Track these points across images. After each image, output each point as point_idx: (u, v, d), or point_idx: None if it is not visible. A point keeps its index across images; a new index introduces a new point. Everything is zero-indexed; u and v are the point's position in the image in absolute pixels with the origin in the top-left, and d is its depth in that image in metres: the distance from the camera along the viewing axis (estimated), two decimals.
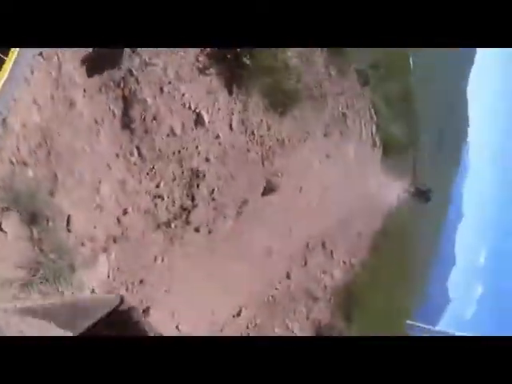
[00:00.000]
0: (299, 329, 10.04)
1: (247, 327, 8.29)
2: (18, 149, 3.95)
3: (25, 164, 3.99)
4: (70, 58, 4.32)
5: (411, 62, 17.56)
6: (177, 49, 5.46)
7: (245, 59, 6.07)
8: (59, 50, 4.22)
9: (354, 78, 10.91)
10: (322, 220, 10.04)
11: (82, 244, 4.56)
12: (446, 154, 27.13)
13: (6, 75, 3.44)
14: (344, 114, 10.40)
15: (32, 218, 4.00)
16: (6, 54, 3.39)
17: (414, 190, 16.54)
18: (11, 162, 3.90)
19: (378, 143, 12.87)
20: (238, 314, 7.91)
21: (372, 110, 12.23)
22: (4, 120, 3.75)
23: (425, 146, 19.09)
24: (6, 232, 3.89)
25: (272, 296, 9.02)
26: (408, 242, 17.71)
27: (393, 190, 14.20)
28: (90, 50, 4.45)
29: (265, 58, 6.41)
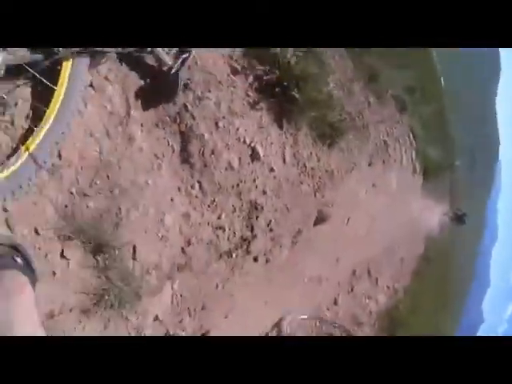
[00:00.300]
0: None
1: None
2: (78, 180, 3.77)
3: (85, 195, 3.79)
4: (123, 91, 4.12)
5: (442, 83, 17.33)
6: (228, 84, 5.31)
7: (293, 93, 5.87)
8: (110, 83, 3.99)
9: (392, 105, 10.86)
10: (367, 248, 9.79)
11: (148, 272, 4.38)
12: (479, 174, 26.55)
13: (57, 106, 3.18)
14: (385, 142, 10.17)
15: (97, 248, 3.85)
16: (55, 83, 3.15)
17: (452, 215, 16.07)
18: (71, 193, 3.70)
19: (418, 169, 12.61)
20: None
21: (411, 136, 11.99)
22: (60, 154, 3.52)
23: (459, 168, 18.63)
24: (68, 259, 3.61)
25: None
26: (447, 266, 17.23)
27: (434, 215, 13.81)
28: (142, 82, 4.23)
29: (310, 90, 6.21)
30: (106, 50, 3.44)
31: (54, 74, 3.13)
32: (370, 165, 9.12)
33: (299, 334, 7.42)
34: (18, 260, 2.19)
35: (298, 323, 7.59)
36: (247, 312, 6.10)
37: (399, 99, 11.12)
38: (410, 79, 12.43)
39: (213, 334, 5.49)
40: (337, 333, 8.64)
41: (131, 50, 3.88)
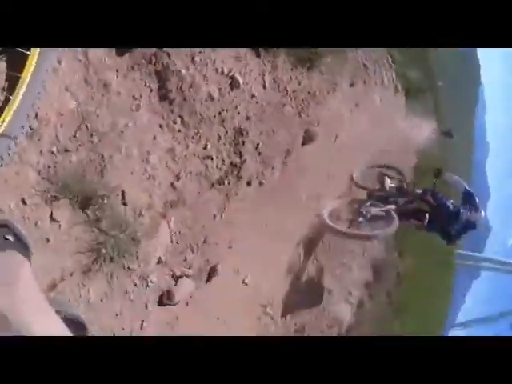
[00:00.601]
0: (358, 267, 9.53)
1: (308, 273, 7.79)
2: (58, 138, 3.59)
3: (66, 151, 3.64)
4: None
5: None
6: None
7: None
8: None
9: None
10: (359, 161, 9.39)
11: (141, 214, 4.27)
12: (462, 93, 26.05)
13: (32, 69, 3.02)
14: (365, 66, 9.67)
15: (85, 202, 3.71)
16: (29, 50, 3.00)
17: (439, 131, 15.79)
18: (52, 153, 3.54)
19: (399, 89, 12.07)
20: (299, 257, 7.39)
21: (389, 59, 11.33)
22: (36, 115, 3.35)
23: (441, 88, 18.18)
24: (58, 221, 3.36)
25: (327, 238, 8.39)
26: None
27: (422, 131, 13.51)
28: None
29: None
30: None
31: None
32: (351, 85, 8.78)
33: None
34: (10, 238, 2.16)
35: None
36: (249, 238, 5.93)
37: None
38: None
39: (220, 267, 5.34)
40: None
41: None
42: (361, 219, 6.98)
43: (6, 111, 2.98)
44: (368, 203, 7.34)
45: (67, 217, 3.57)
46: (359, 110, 9.16)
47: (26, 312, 1.64)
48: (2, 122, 2.93)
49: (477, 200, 6.37)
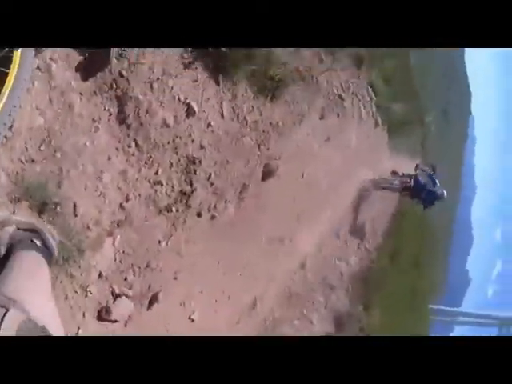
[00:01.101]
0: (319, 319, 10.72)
1: (264, 321, 8.88)
2: (27, 149, 4.64)
3: (33, 161, 4.68)
4: (66, 66, 5.06)
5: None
6: (161, 48, 6.13)
7: (224, 49, 6.69)
8: (54, 62, 4.98)
9: (349, 60, 11.54)
10: (333, 204, 10.82)
11: (88, 228, 5.23)
12: (452, 128, 27.43)
13: (10, 86, 4.02)
14: (340, 96, 10.95)
15: (41, 207, 4.69)
16: (8, 68, 3.97)
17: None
18: (21, 161, 4.60)
19: (380, 123, 13.55)
20: (254, 304, 8.48)
21: (370, 90, 12.78)
22: (11, 126, 4.43)
23: (431, 122, 19.52)
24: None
25: (288, 287, 9.63)
26: (423, 223, 18.16)
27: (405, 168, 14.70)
28: (81, 58, 5.21)
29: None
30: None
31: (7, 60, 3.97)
32: (321, 118, 9.95)
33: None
34: (37, 242, 2.90)
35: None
36: (199, 272, 6.84)
37: (356, 55, 11.71)
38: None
39: (162, 295, 6.21)
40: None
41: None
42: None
43: None
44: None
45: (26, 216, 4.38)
46: (331, 145, 10.33)
47: (37, 304, 1.98)
48: None
49: (437, 181, 13.19)
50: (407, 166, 14.28)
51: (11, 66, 4.15)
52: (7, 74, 4.13)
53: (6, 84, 4.23)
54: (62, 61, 5.06)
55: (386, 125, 14.10)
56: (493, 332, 30.32)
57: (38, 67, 4.83)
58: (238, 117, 7.28)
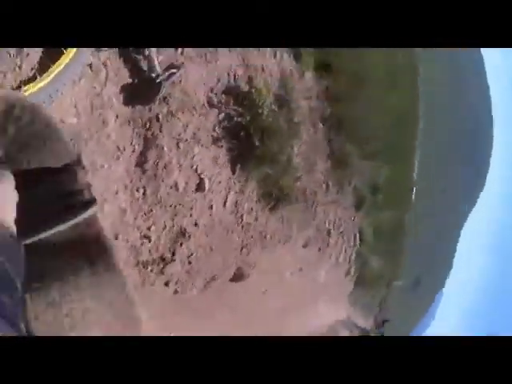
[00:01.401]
0: None
1: None
2: None
3: None
4: (115, 81, 5.19)
5: (414, 193, 17.69)
6: (200, 112, 6.41)
7: (255, 140, 6.98)
8: (106, 68, 5.12)
9: (350, 198, 11.88)
10: (281, 326, 10.43)
11: None
12: (417, 300, 27.58)
13: (60, 69, 4.14)
14: (329, 232, 11.20)
15: None
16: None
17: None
18: None
19: (352, 272, 13.61)
20: None
21: (358, 237, 12.98)
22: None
23: (397, 287, 19.71)
24: None
25: None
26: None
27: (352, 328, 14.67)
28: (131, 80, 5.40)
29: (272, 145, 7.40)
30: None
31: None
32: (304, 246, 10.12)
33: None
34: None
35: None
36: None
37: (359, 194, 12.08)
38: (378, 177, 13.38)
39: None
40: None
41: (131, 48, 5.06)
42: None
43: (32, 85, 3.94)
44: None
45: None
46: (301, 275, 10.39)
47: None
48: (25, 92, 3.82)
49: None
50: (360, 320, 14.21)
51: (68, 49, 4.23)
52: (62, 53, 4.22)
53: (58, 62, 4.26)
54: (112, 72, 5.19)
55: (356, 275, 14.07)
56: None
57: (90, 65, 4.91)
58: (237, 212, 7.43)
